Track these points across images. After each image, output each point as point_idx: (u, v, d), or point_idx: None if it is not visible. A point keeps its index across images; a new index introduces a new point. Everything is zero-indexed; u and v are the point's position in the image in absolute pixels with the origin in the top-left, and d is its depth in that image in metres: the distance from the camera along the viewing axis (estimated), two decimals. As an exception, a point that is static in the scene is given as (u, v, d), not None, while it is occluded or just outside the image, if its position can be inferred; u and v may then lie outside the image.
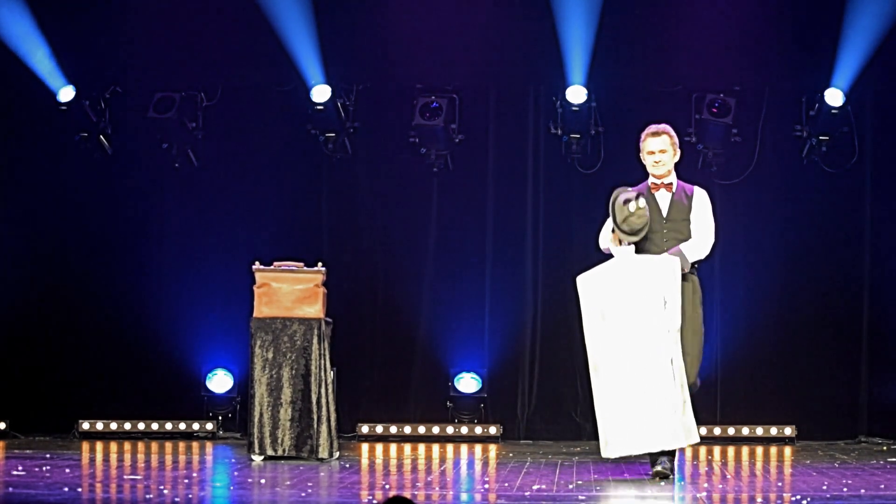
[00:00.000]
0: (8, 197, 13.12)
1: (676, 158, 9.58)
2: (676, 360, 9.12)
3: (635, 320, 9.14)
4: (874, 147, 12.93)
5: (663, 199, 9.53)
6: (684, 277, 9.32)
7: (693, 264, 9.44)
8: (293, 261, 10.83)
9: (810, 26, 12.73)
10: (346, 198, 13.19)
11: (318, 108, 12.77)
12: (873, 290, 12.96)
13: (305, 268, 10.78)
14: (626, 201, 9.26)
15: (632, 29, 12.85)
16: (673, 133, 9.57)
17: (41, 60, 12.59)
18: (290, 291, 10.68)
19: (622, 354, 9.14)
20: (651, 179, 9.57)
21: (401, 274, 13.14)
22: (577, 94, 12.66)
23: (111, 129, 12.99)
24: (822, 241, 12.97)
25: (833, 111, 12.57)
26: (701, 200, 9.54)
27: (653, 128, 9.59)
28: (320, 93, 12.76)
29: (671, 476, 9.29)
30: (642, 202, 9.27)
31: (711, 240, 9.51)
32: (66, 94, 12.75)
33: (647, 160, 9.56)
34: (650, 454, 9.35)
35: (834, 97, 12.54)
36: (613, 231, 9.36)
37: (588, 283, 9.32)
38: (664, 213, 9.50)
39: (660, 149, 9.52)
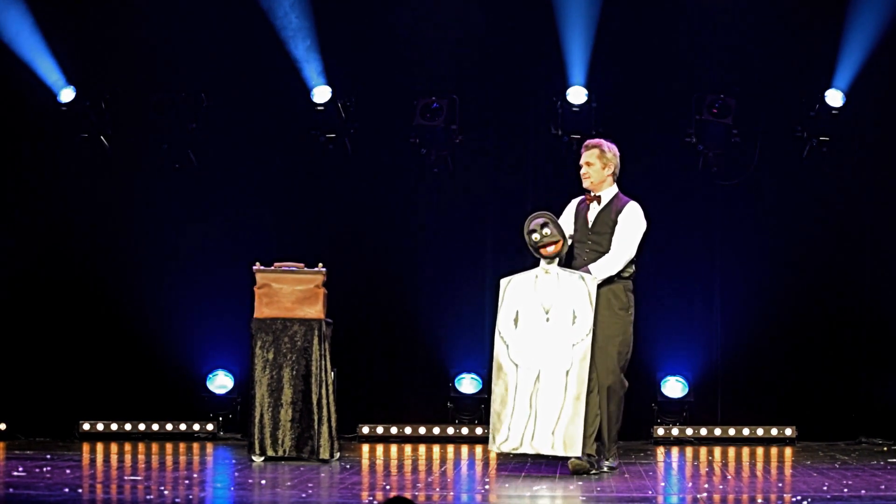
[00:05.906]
0: (8, 197, 13.11)
1: (608, 172, 9.81)
2: (573, 372, 9.47)
3: (544, 329, 9.62)
4: (874, 148, 12.92)
5: (592, 211, 9.84)
6: (601, 285, 9.59)
7: (625, 270, 9.71)
8: (294, 261, 10.82)
9: (811, 27, 12.73)
10: (346, 198, 13.19)
11: (319, 108, 12.79)
12: (873, 290, 12.95)
13: (306, 268, 10.77)
14: (531, 232, 9.66)
15: (632, 29, 12.85)
16: (607, 148, 9.82)
17: (42, 61, 12.61)
18: (290, 292, 10.68)
19: (525, 359, 9.62)
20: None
21: (401, 274, 13.14)
22: (577, 94, 12.66)
23: (112, 129, 13.00)
24: (823, 243, 12.97)
25: (833, 112, 12.58)
26: (627, 216, 9.76)
27: (587, 141, 9.97)
28: (321, 93, 12.77)
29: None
30: (547, 231, 9.60)
31: (626, 256, 9.68)
32: (67, 94, 12.76)
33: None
34: (539, 455, 9.67)
35: (834, 98, 12.55)
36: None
37: (510, 287, 9.77)
38: (590, 225, 9.82)
39: (585, 161, 9.84)
